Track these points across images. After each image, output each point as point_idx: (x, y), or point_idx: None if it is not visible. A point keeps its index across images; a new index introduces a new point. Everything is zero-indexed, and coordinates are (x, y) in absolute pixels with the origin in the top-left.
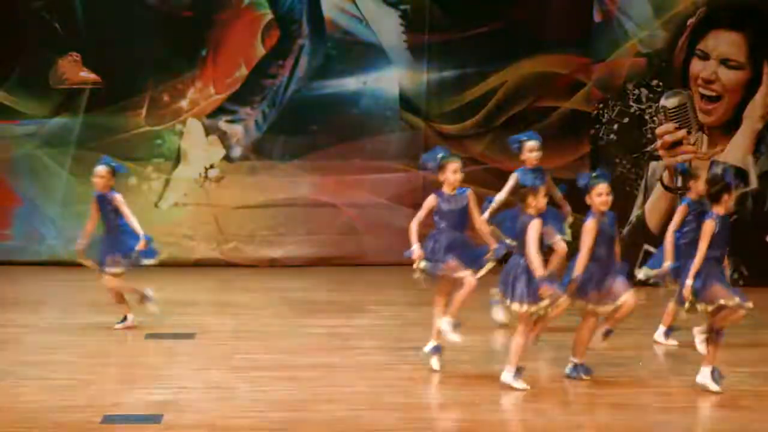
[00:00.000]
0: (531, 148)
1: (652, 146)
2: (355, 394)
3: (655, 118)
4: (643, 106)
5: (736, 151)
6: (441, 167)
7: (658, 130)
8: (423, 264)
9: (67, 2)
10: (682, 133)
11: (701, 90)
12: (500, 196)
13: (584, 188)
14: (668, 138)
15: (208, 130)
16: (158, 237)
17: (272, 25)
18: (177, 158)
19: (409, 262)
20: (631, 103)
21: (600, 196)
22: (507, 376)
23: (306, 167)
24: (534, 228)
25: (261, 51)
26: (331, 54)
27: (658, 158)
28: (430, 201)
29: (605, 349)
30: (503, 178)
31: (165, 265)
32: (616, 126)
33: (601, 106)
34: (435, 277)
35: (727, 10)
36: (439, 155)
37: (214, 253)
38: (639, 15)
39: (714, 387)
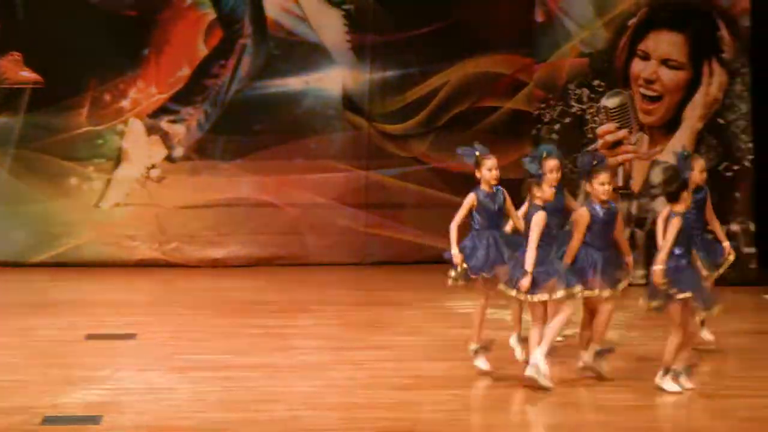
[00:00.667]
0: (552, 168)
1: (593, 146)
2: (296, 395)
3: (596, 118)
4: (584, 106)
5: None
6: (477, 164)
7: (599, 130)
8: (464, 268)
9: (8, 1)
10: (623, 133)
11: (642, 90)
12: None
13: (585, 176)
14: (609, 138)
15: (150, 130)
16: (99, 237)
17: (215, 25)
18: (118, 158)
19: (352, 262)
20: (573, 103)
21: (603, 185)
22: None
23: (248, 167)
24: (538, 220)
25: (203, 51)
26: (274, 54)
27: None
28: (470, 198)
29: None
30: (446, 178)
31: (106, 265)
32: (557, 126)
33: (542, 106)
34: (472, 282)
35: (668, 10)
36: (477, 152)
37: (155, 254)
38: (580, 15)
39: (673, 387)
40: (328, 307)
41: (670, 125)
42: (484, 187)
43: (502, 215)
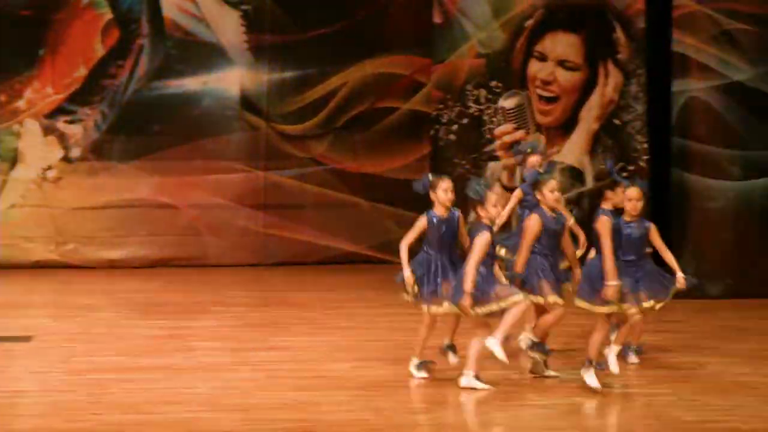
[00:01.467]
0: (534, 164)
1: (491, 146)
2: (194, 396)
3: (493, 119)
4: (482, 107)
5: (573, 151)
6: (432, 186)
7: (496, 131)
8: (416, 290)
9: None
10: (520, 133)
11: (539, 91)
12: (501, 218)
13: (534, 184)
14: (507, 138)
15: (47, 131)
16: None
17: (111, 24)
18: (14, 159)
19: (251, 263)
20: (470, 104)
21: (552, 192)
22: (466, 380)
23: (146, 168)
24: (482, 241)
25: (100, 51)
26: (172, 54)
27: (497, 158)
28: (421, 222)
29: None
30: (344, 178)
31: (2, 266)
32: (455, 127)
33: (440, 106)
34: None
35: (564, 12)
36: (429, 178)
37: (52, 255)
38: (478, 16)
39: (593, 383)
40: (227, 308)
41: (566, 126)
42: (438, 209)
43: (454, 239)
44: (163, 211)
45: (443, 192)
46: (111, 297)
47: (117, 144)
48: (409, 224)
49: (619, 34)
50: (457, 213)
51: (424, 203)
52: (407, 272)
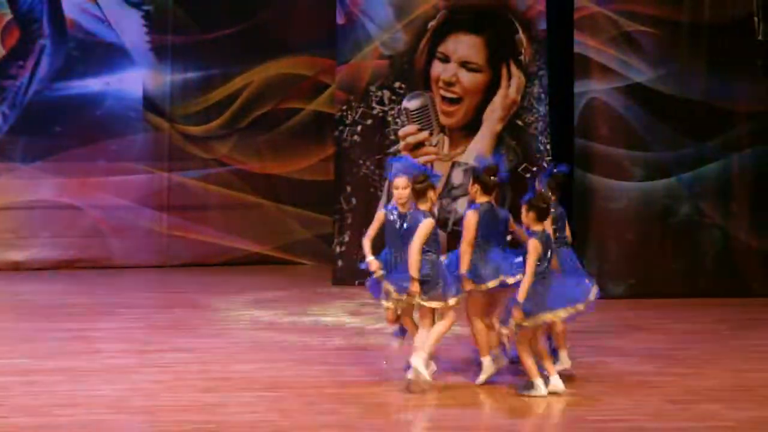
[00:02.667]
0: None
1: (395, 147)
2: (100, 398)
3: (397, 120)
4: (386, 108)
5: (476, 152)
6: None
7: (400, 132)
8: (381, 274)
9: None
10: (424, 134)
11: (442, 92)
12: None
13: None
14: (411, 139)
15: None
16: None
17: (12, 25)
18: None
19: (155, 264)
20: (374, 105)
21: (396, 189)
22: (416, 360)
23: (49, 169)
24: (423, 226)
25: (0, 51)
26: (73, 54)
27: None
28: (379, 215)
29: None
30: (248, 179)
31: None
32: (359, 128)
33: (344, 107)
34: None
35: (467, 13)
36: (419, 170)
37: None
38: (381, 17)
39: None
40: (131, 310)
41: (470, 127)
42: (397, 204)
43: (407, 237)
44: (66, 212)
45: (395, 189)
46: (14, 299)
47: (19, 145)
48: (313, 225)
49: (521, 36)
50: (420, 212)
51: (328, 205)
52: (370, 257)
